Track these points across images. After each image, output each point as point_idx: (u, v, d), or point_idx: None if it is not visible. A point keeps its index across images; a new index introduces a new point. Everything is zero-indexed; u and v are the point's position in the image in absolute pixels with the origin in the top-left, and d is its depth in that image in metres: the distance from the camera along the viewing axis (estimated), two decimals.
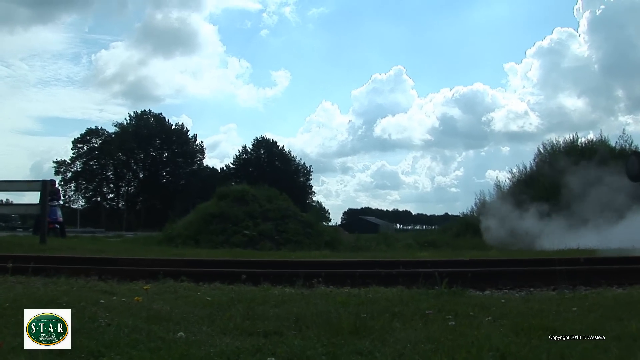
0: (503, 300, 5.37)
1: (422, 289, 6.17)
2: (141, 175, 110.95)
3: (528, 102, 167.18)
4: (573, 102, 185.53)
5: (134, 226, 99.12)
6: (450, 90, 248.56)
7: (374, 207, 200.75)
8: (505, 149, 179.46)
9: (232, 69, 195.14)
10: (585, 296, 5.90)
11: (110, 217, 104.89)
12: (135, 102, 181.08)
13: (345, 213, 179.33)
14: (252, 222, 19.43)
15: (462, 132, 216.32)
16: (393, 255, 12.16)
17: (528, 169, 25.90)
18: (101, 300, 4.95)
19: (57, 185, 21.11)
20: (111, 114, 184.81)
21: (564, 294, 6.21)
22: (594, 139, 25.37)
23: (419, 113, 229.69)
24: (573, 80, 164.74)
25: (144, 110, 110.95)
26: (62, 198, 20.11)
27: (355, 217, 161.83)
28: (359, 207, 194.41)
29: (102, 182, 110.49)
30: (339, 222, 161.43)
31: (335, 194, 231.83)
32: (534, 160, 26.62)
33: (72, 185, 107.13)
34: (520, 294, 6.82)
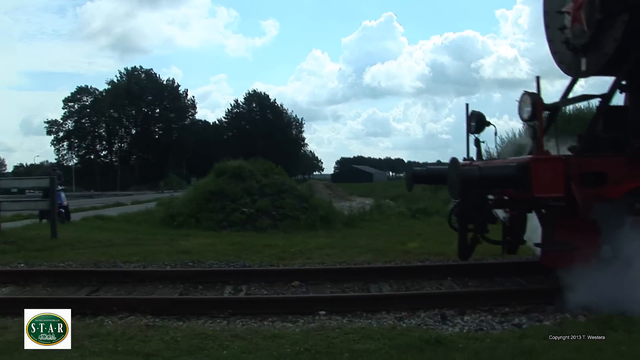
0: None
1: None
2: (133, 132, 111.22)
3: (519, 48, 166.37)
4: None
5: (128, 183, 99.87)
6: (441, 36, 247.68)
7: (366, 156, 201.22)
8: (497, 96, 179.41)
9: (220, 19, 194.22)
10: None
11: (104, 174, 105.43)
12: (123, 54, 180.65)
13: (338, 162, 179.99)
14: (249, 199, 19.91)
15: (452, 79, 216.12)
16: (386, 247, 12.73)
17: (517, 136, 26.26)
18: None
19: (57, 171, 21.73)
20: (100, 66, 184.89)
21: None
22: (583, 108, 25.67)
23: (409, 60, 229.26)
24: None
25: (135, 66, 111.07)
26: (63, 184, 20.62)
27: (348, 166, 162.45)
28: (351, 156, 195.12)
29: (95, 140, 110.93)
30: (331, 172, 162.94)
31: (327, 142, 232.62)
32: (523, 126, 26.87)
33: (65, 144, 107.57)
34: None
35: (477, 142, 9.48)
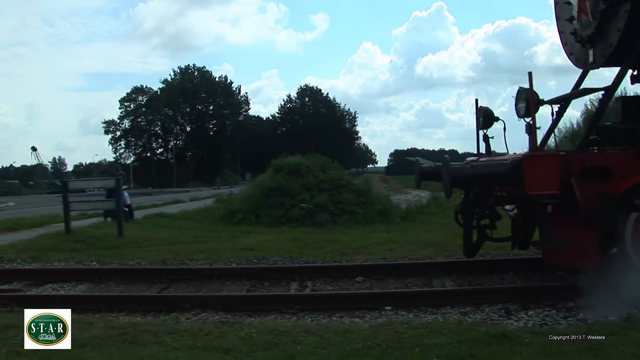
0: None
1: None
2: (188, 129, 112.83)
3: None
4: None
5: (184, 179, 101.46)
6: (492, 25, 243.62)
7: (419, 148, 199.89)
8: (552, 83, 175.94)
9: (270, 15, 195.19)
10: None
11: (161, 171, 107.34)
12: (176, 52, 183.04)
13: (391, 154, 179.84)
14: (308, 195, 20.07)
15: (505, 68, 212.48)
16: (446, 241, 12.78)
17: (575, 126, 25.99)
18: None
19: (120, 170, 22.45)
20: (154, 65, 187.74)
21: None
22: None
23: (461, 50, 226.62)
24: None
25: (188, 64, 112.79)
26: (126, 183, 21.13)
27: (402, 159, 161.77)
28: (404, 148, 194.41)
29: (151, 138, 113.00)
30: (385, 164, 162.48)
31: (380, 135, 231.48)
32: (581, 116, 26.54)
33: (122, 142, 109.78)
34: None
35: (486, 138, 9.52)
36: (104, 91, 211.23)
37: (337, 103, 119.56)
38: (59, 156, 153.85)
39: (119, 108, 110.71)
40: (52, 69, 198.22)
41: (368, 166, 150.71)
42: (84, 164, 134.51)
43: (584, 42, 9.11)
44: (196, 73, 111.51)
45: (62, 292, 9.31)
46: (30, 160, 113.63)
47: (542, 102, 8.32)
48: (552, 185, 7.41)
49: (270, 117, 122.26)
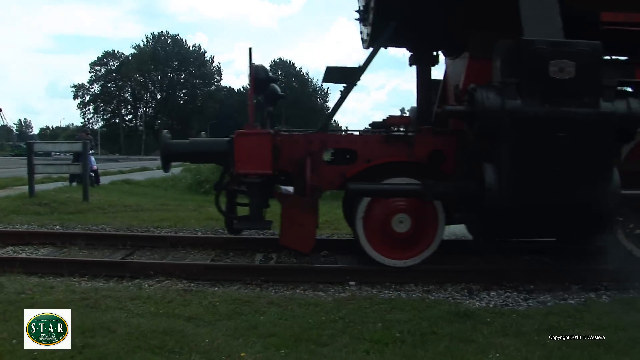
0: None
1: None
2: (158, 97, 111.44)
3: None
4: None
5: (152, 147, 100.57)
6: None
7: None
8: None
9: None
10: None
11: (129, 138, 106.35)
12: (149, 19, 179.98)
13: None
14: None
15: None
16: None
17: None
18: None
19: (89, 135, 22.20)
20: (126, 31, 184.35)
21: None
22: None
23: None
24: None
25: (161, 31, 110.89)
26: (93, 148, 20.92)
27: None
28: None
29: (120, 104, 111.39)
30: None
31: (352, 112, 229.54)
32: None
33: (91, 107, 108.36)
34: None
35: (269, 115, 9.34)
36: (74, 54, 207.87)
37: (310, 78, 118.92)
38: (25, 118, 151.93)
39: (89, 72, 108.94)
40: (20, 28, 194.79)
41: None
42: (50, 127, 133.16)
43: (360, 19, 9.09)
44: (169, 40, 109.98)
45: (23, 254, 9.19)
46: None
47: (275, 80, 8.23)
48: (263, 165, 7.49)
49: (242, 89, 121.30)
